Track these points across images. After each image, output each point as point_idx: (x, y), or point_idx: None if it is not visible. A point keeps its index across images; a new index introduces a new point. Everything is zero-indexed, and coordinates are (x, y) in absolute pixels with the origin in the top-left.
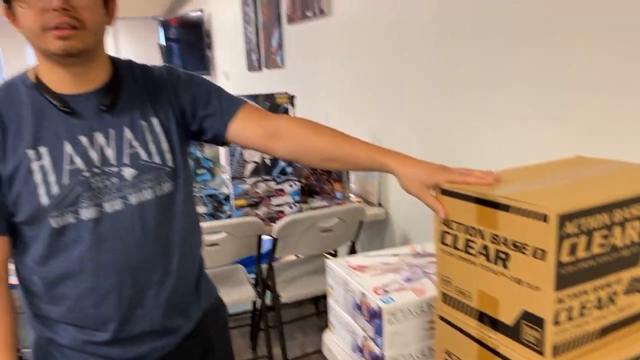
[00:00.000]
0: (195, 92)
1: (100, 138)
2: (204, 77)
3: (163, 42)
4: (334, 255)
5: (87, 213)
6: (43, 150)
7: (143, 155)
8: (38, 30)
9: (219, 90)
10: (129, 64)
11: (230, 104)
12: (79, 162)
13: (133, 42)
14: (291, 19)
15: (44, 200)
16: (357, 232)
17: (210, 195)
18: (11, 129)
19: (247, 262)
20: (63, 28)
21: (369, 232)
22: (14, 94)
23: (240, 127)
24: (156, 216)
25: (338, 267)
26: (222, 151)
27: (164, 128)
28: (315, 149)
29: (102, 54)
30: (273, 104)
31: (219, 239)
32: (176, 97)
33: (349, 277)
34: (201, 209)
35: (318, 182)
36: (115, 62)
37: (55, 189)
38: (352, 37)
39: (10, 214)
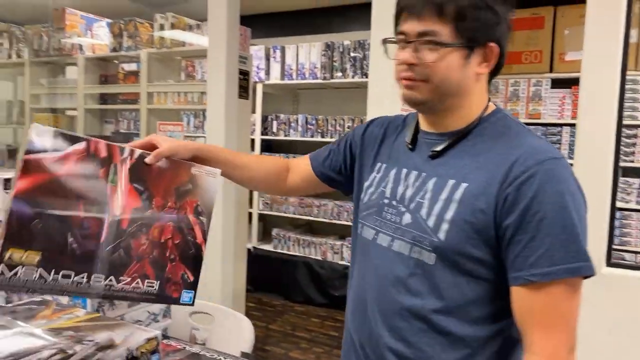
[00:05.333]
0: (522, 229)
1: (412, 176)
2: None
3: None
4: None
5: (366, 232)
6: (382, 167)
7: (423, 212)
8: (396, 77)
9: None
10: (498, 127)
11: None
12: (388, 188)
13: None
14: None
15: (360, 202)
16: None
17: None
18: (384, 141)
19: None
20: (408, 79)
21: None
22: (410, 117)
23: None
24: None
25: None
26: None
27: (465, 200)
28: None
29: (463, 104)
30: None
31: None
32: (505, 209)
33: None
34: None
35: None
36: (483, 117)
37: (366, 198)
38: None
39: (336, 170)
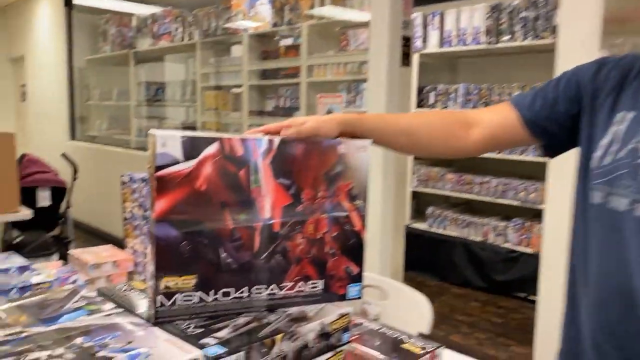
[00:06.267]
0: None
1: None
2: None
3: None
4: None
5: (615, 201)
6: (628, 117)
7: None
8: None
9: None
10: None
11: None
12: None
13: None
14: None
15: (593, 163)
16: None
17: None
18: (624, 86)
19: None
20: None
21: None
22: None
23: None
24: None
25: None
26: None
27: None
28: None
29: None
30: None
31: None
32: None
33: None
34: None
35: None
36: None
37: (608, 159)
38: None
39: (553, 120)
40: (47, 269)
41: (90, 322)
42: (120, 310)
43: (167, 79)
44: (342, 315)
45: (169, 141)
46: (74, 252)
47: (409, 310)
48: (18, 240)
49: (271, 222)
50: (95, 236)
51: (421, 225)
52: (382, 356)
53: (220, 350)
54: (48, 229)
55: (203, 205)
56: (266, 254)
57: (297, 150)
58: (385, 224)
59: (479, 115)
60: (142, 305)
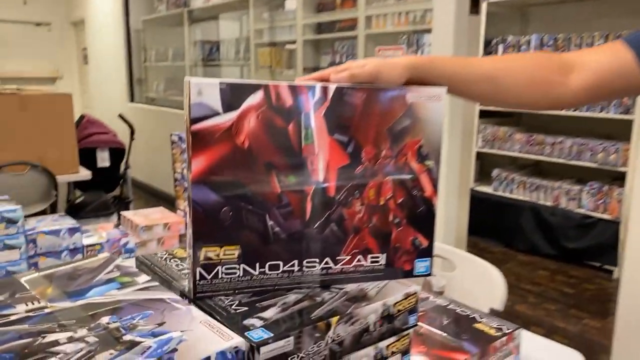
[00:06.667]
0: None
1: None
2: None
3: None
4: None
5: None
6: None
7: None
8: None
9: None
10: None
11: None
12: None
13: None
14: None
15: None
16: None
17: None
18: None
19: None
20: None
21: None
22: None
23: None
24: None
25: None
26: None
27: None
28: None
29: None
30: None
31: None
32: None
33: None
34: None
35: None
36: None
37: None
38: None
39: None
40: (98, 231)
41: (121, 298)
42: (156, 283)
43: (221, 37)
44: (409, 295)
45: (205, 89)
46: (125, 214)
47: (478, 283)
48: (79, 200)
49: (325, 185)
50: (156, 197)
51: (486, 189)
52: (450, 337)
53: (266, 334)
54: (108, 189)
55: (246, 165)
56: (319, 222)
57: (357, 100)
58: (450, 187)
59: (581, 57)
60: (182, 278)
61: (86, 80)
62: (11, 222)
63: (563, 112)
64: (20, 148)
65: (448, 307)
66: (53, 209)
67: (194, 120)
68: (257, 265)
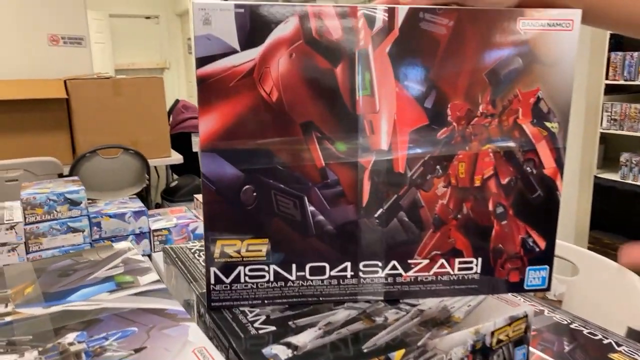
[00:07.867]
0: None
1: None
2: None
3: None
4: None
5: None
6: None
7: None
8: None
9: None
10: None
11: None
12: None
13: None
14: None
15: None
16: None
17: None
18: None
19: None
20: None
21: None
22: None
23: None
24: None
25: None
26: None
27: None
28: None
29: None
30: None
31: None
32: None
33: None
34: None
35: None
36: None
37: None
38: None
39: None
40: (168, 215)
41: (108, 305)
42: (162, 286)
43: None
44: (516, 319)
45: (215, 16)
46: (198, 197)
47: (610, 292)
48: (174, 184)
49: (391, 157)
50: None
51: (611, 176)
52: None
53: None
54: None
55: (275, 126)
56: (382, 210)
57: (441, 28)
58: (569, 174)
59: None
60: (204, 278)
61: (190, 69)
62: (74, 203)
63: None
64: (114, 132)
65: (571, 326)
66: (147, 193)
67: (200, 62)
68: (294, 266)
